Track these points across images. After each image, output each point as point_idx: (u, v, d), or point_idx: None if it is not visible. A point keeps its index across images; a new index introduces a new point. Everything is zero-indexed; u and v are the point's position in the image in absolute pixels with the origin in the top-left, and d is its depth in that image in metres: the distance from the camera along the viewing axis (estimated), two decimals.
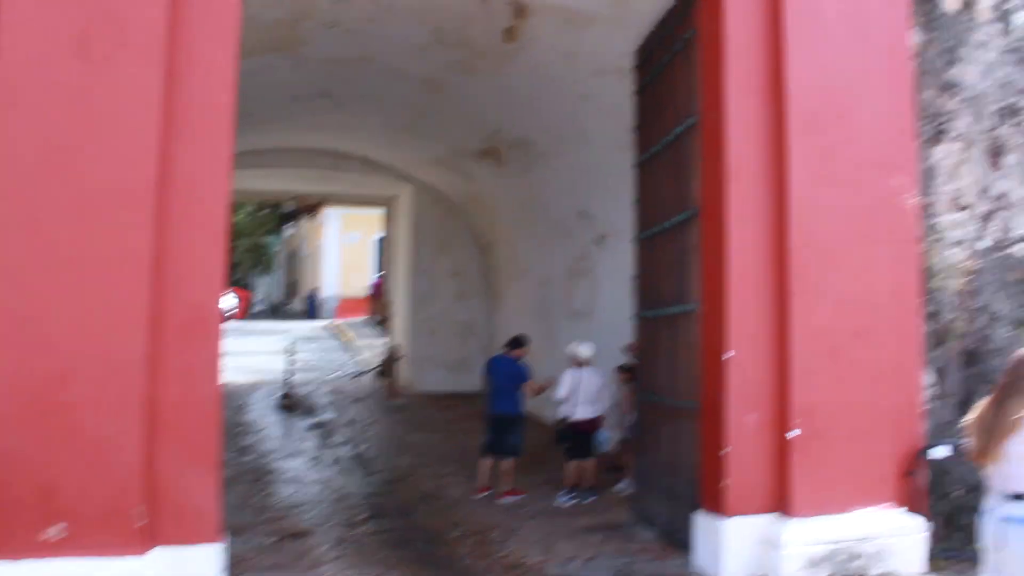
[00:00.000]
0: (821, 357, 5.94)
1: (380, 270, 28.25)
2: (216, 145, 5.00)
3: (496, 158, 13.28)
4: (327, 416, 14.02)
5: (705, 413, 6.16)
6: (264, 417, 13.73)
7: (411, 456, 11.07)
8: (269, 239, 50.74)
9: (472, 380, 16.70)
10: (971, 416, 4.19)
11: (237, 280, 50.05)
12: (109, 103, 4.69)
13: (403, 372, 16.93)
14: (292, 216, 45.14)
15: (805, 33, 6.06)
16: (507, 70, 10.27)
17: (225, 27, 5.11)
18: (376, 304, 26.26)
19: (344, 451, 11.23)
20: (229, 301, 36.17)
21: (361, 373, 18.02)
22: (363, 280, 33.42)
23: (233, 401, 14.99)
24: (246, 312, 37.54)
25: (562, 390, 8.69)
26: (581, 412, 8.61)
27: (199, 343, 4.89)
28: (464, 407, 14.90)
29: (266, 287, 52.38)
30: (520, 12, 8.87)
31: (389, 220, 19.61)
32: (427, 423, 13.57)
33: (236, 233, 47.60)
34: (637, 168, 8.00)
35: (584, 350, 8.80)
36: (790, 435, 5.84)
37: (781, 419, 5.93)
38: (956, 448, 5.58)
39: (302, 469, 10.09)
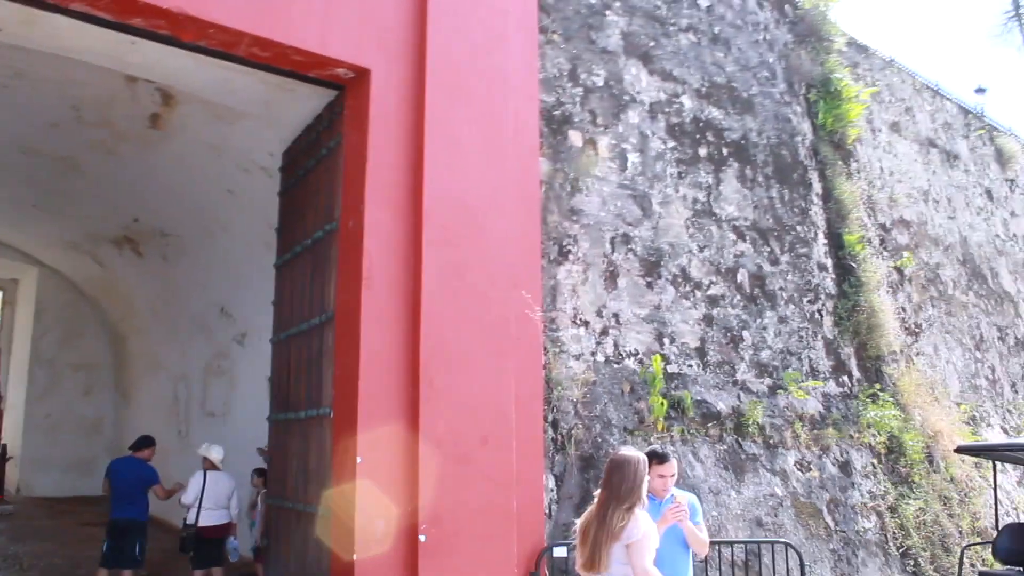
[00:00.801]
0: (449, 462, 6.06)
1: None
2: None
3: (134, 246, 12.55)
4: None
5: (335, 519, 6.05)
6: None
7: (12, 572, 9.83)
8: None
9: (95, 483, 15.33)
10: (578, 525, 4.40)
11: None
12: None
13: (12, 474, 15.17)
14: None
15: (442, 153, 6.37)
16: (151, 157, 9.82)
17: None
18: None
19: None
20: None
21: None
22: None
23: None
24: None
25: (189, 494, 8.19)
26: (207, 517, 8.14)
27: None
28: (86, 512, 13.63)
29: None
30: (168, 100, 8.56)
31: (6, 305, 17.79)
32: (38, 532, 12.16)
33: None
34: (278, 268, 7.90)
35: (214, 452, 8.39)
36: (420, 540, 5.87)
37: (411, 524, 5.96)
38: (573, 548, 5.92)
39: None
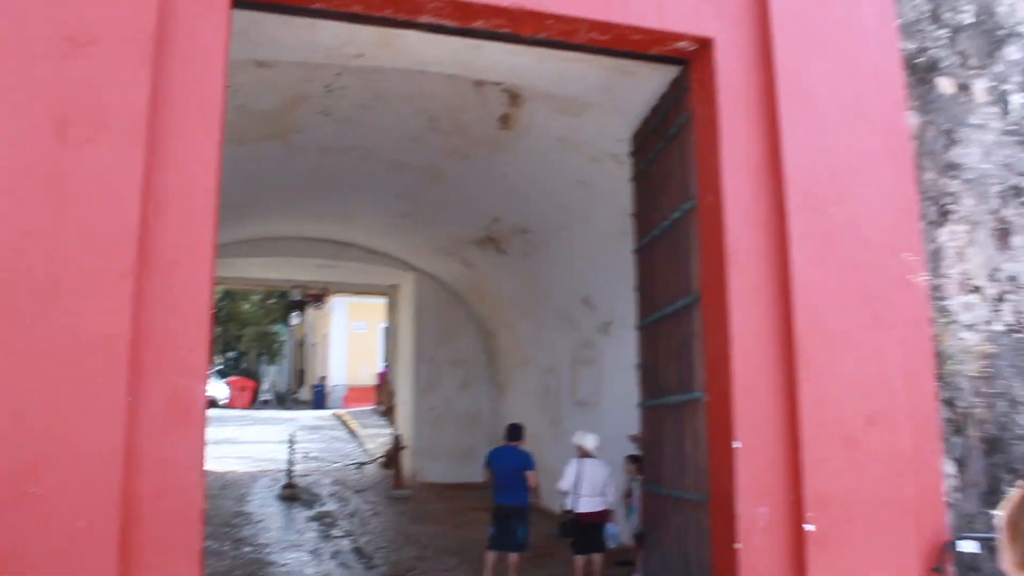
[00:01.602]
0: (833, 445, 5.63)
1: (387, 359, 28.14)
2: (199, 229, 4.79)
3: (496, 245, 13.16)
4: (328, 507, 13.63)
5: (714, 506, 5.84)
6: (264, 507, 13.35)
7: (413, 549, 10.68)
8: (276, 328, 50.79)
9: (476, 471, 16.31)
10: (1003, 515, 3.86)
11: (243, 369, 49.98)
12: (87, 186, 4.52)
13: (407, 462, 16.54)
14: (299, 305, 45.39)
15: (799, 116, 5.93)
16: (504, 157, 10.21)
17: (209, 111, 4.96)
18: (382, 393, 25.99)
19: (344, 544, 10.85)
20: (220, 390, 36.30)
21: (365, 463, 17.62)
22: (370, 369, 33.33)
23: (233, 491, 14.62)
24: (251, 402, 37.38)
25: (566, 481, 8.38)
26: (586, 504, 8.28)
27: (181, 431, 4.60)
28: (469, 498, 14.52)
29: (273, 376, 52.22)
30: (515, 100, 8.83)
31: (391, 309, 19.46)
32: (430, 515, 13.18)
33: (243, 322, 48.05)
34: (637, 254, 7.82)
35: (588, 440, 8.51)
36: (805, 528, 5.50)
37: (795, 512, 5.60)
38: (985, 543, 5.22)
39: (300, 563, 9.71)
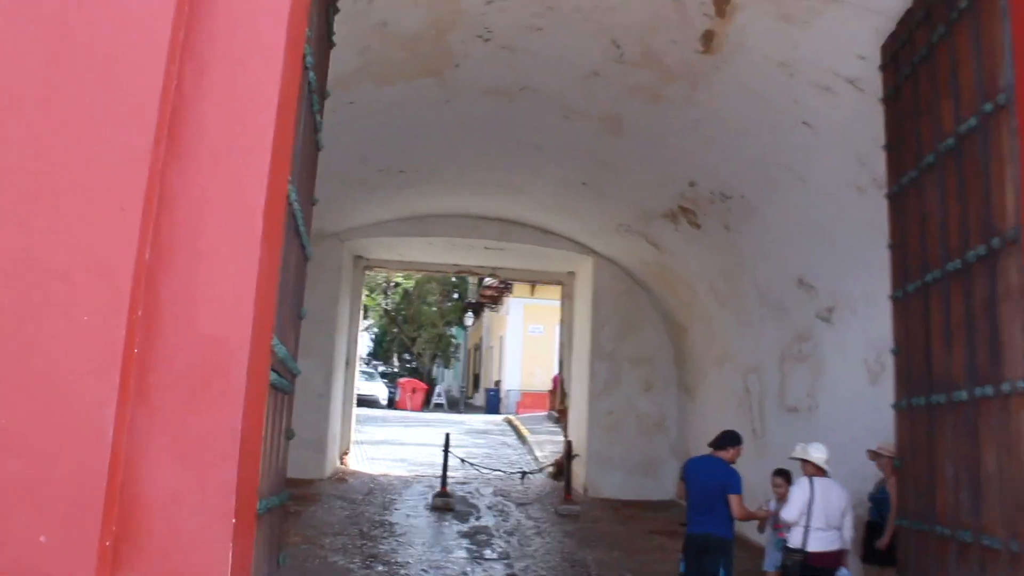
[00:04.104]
0: None
1: (560, 359, 27.00)
2: (256, 126, 3.17)
3: (691, 217, 11.27)
4: (485, 521, 12.13)
5: None
6: (411, 518, 11.96)
7: None
8: (452, 330, 50.55)
9: (659, 486, 14.56)
10: None
11: (415, 371, 49.95)
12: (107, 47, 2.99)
13: (578, 473, 14.85)
14: (475, 307, 44.90)
15: None
16: (704, 96, 8.39)
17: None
18: (555, 398, 24.66)
19: (498, 570, 9.28)
20: (380, 389, 35.88)
21: (531, 472, 16.05)
22: (546, 374, 32.70)
23: (380, 497, 13.37)
24: (423, 404, 36.89)
25: (792, 509, 6.41)
26: (818, 541, 6.29)
27: (209, 400, 2.99)
28: (650, 519, 12.73)
29: (448, 379, 52.29)
30: (721, 8, 7.00)
31: (565, 300, 17.84)
32: (603, 537, 11.39)
33: (419, 323, 47.97)
34: (892, 199, 5.86)
35: (814, 452, 6.53)
36: None
37: None
38: None
39: None
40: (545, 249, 15.40)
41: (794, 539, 6.35)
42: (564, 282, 17.55)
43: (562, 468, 15.05)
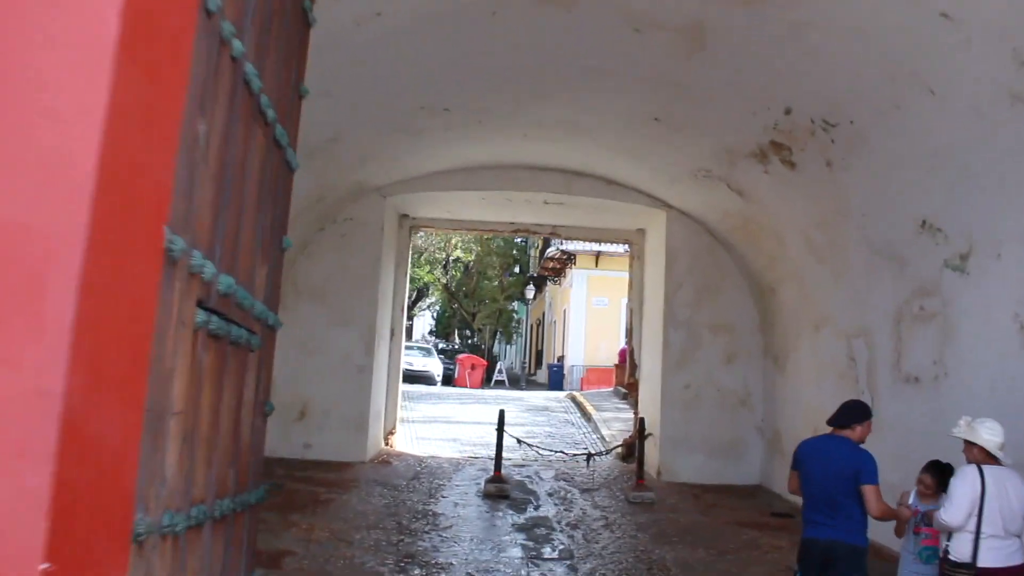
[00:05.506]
0: None
1: (628, 331, 25.70)
2: None
3: (784, 155, 9.66)
4: (544, 511, 10.73)
5: None
6: (460, 507, 10.60)
7: None
8: (513, 305, 49.49)
9: (744, 469, 13.08)
10: None
11: (476, 347, 48.91)
12: None
13: (651, 455, 13.38)
14: (537, 281, 43.76)
15: None
16: None
17: None
18: (622, 373, 23.28)
19: (559, 573, 7.86)
20: (435, 365, 34.74)
21: (597, 454, 14.59)
22: (612, 348, 31.93)
23: (426, 482, 12.05)
24: (482, 381, 35.74)
25: (955, 509, 4.84)
26: (992, 553, 4.73)
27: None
28: (740, 508, 11.26)
29: (510, 356, 51.48)
30: None
31: (634, 261, 16.28)
32: (684, 531, 9.90)
33: (480, 297, 46.93)
34: None
35: (985, 432, 4.96)
36: None
37: None
38: None
39: None
40: (612, 203, 13.91)
41: (959, 550, 4.78)
42: (633, 241, 15.99)
43: (632, 449, 13.64)
